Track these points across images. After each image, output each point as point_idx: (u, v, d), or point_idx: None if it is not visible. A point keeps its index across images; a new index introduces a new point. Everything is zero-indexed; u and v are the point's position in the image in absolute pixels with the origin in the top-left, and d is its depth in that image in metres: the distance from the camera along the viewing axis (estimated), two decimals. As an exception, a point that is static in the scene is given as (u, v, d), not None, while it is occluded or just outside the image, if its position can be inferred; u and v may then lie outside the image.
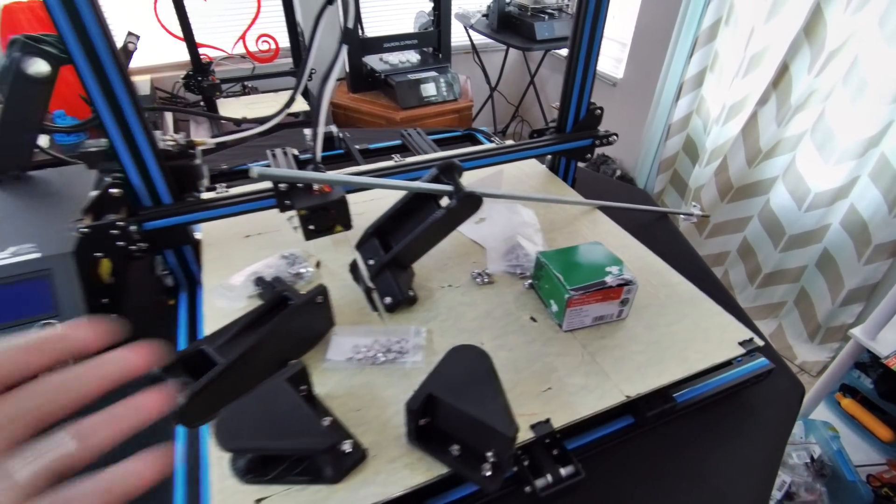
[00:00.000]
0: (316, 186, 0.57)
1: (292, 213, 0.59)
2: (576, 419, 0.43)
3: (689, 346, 0.50)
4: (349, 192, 0.57)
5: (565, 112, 0.75)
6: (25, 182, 0.66)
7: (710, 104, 1.87)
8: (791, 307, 1.71)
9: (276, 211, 0.58)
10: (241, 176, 0.91)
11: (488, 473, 0.37)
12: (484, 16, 2.35)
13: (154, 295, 0.65)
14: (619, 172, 2.35)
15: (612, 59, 2.39)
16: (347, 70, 2.12)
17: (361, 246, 0.56)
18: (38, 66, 0.61)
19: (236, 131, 0.84)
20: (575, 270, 0.51)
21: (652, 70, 2.10)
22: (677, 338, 0.51)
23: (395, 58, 2.15)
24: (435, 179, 0.52)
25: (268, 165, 0.92)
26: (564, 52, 2.53)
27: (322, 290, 0.48)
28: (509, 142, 0.91)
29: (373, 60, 2.14)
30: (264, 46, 2.15)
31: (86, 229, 0.50)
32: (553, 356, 0.49)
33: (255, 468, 0.37)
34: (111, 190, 0.52)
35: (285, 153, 0.95)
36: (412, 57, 2.20)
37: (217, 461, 0.39)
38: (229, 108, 1.89)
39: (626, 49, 2.26)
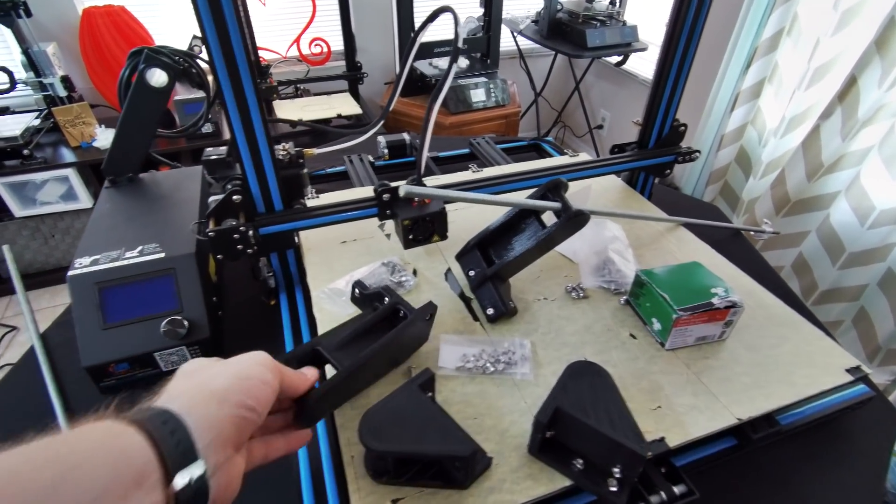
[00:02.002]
0: (416, 199, 0.59)
1: (383, 221, 0.61)
2: (689, 439, 0.44)
3: (794, 371, 0.50)
4: (446, 203, 0.60)
5: (649, 128, 0.75)
6: (138, 184, 0.71)
7: (768, 116, 1.83)
8: (849, 326, 1.66)
9: (369, 219, 0.60)
10: (321, 179, 0.94)
11: (614, 489, 0.38)
12: (533, 22, 2.35)
13: (249, 290, 0.68)
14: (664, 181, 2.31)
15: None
16: (397, 73, 2.15)
17: (462, 257, 0.58)
18: (159, 77, 0.65)
19: (295, 127, 0.87)
20: (679, 290, 0.51)
21: (704, 79, 2.06)
22: (781, 361, 0.51)
23: (445, 62, 2.18)
24: (542, 196, 0.53)
25: (345, 170, 0.95)
26: (613, 59, 2.51)
27: (433, 309, 0.48)
28: (584, 155, 0.92)
29: (422, 65, 2.17)
30: (317, 49, 2.21)
31: (212, 233, 0.54)
32: (658, 374, 0.50)
33: (388, 470, 0.39)
34: (233, 197, 0.55)
35: (361, 159, 0.99)
36: (461, 62, 2.22)
37: (350, 461, 0.41)
38: (285, 109, 1.94)
39: (678, 57, 2.23)
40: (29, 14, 1.58)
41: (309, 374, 0.36)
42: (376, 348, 0.43)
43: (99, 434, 0.22)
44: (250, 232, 0.56)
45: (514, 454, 0.42)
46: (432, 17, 0.66)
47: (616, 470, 0.38)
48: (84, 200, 1.72)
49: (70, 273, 0.54)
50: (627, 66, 2.48)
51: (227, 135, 1.81)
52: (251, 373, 0.30)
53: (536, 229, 0.55)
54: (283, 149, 0.61)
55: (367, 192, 0.76)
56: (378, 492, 0.39)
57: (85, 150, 1.71)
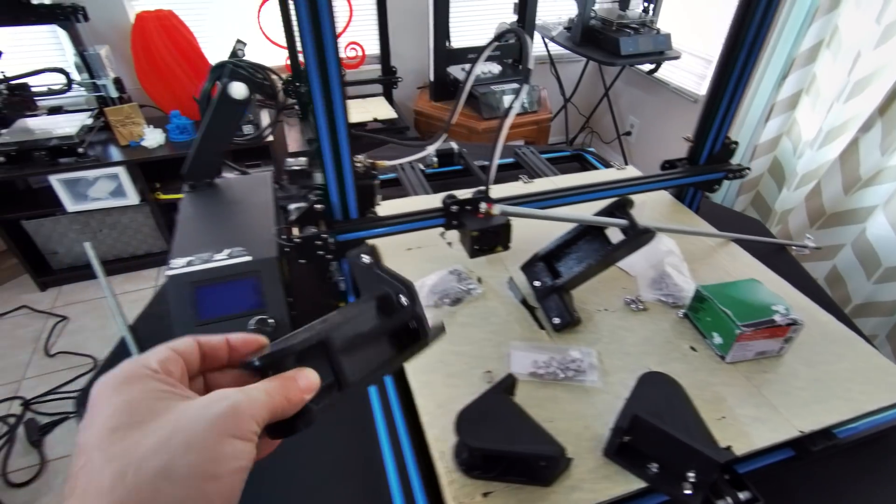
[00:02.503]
0: (482, 210, 0.63)
1: (443, 230, 0.65)
2: (754, 449, 0.47)
3: (852, 387, 0.52)
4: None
5: (701, 145, 0.78)
6: (215, 188, 0.75)
7: (804, 127, 1.83)
8: (883, 342, 1.65)
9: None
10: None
11: (688, 492, 0.41)
12: (566, 28, 2.37)
13: (314, 290, 0.72)
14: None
15: (695, 75, 2.36)
16: (431, 79, 2.19)
17: (528, 268, 0.62)
18: (240, 90, 0.69)
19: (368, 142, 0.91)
20: (741, 307, 0.54)
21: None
22: (839, 377, 0.54)
23: (478, 68, 2.21)
24: (610, 214, 0.56)
25: (397, 177, 0.99)
26: (645, 67, 2.51)
27: (442, 329, 0.37)
28: (631, 168, 0.95)
29: (455, 70, 2.20)
30: (352, 53, 2.26)
31: (298, 239, 0.58)
32: (720, 386, 0.52)
33: (478, 465, 0.43)
34: (316, 206, 0.59)
35: (412, 167, 1.03)
36: (493, 68, 2.25)
37: (440, 456, 0.45)
38: (323, 112, 1.99)
39: (711, 66, 2.23)
40: (87, 18, 1.65)
41: (303, 383, 0.26)
42: (382, 364, 0.34)
43: None
44: (330, 238, 0.60)
45: (590, 456, 0.45)
46: (499, 37, 0.70)
47: (691, 475, 0.41)
48: (131, 197, 1.79)
49: (169, 273, 0.59)
50: (659, 73, 2.48)
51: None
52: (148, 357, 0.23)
53: (602, 244, 0.58)
54: (359, 161, 0.65)
55: (424, 200, 0.80)
56: (470, 485, 0.43)
57: (133, 149, 1.78)
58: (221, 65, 0.71)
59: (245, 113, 0.74)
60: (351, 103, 2.19)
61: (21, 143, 1.60)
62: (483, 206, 0.63)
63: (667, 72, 2.47)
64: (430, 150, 0.73)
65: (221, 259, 0.60)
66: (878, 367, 0.55)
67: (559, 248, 0.60)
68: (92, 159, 1.69)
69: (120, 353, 0.67)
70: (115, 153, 1.76)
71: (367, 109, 2.06)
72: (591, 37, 2.25)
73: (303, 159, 0.70)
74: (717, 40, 2.15)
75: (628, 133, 2.80)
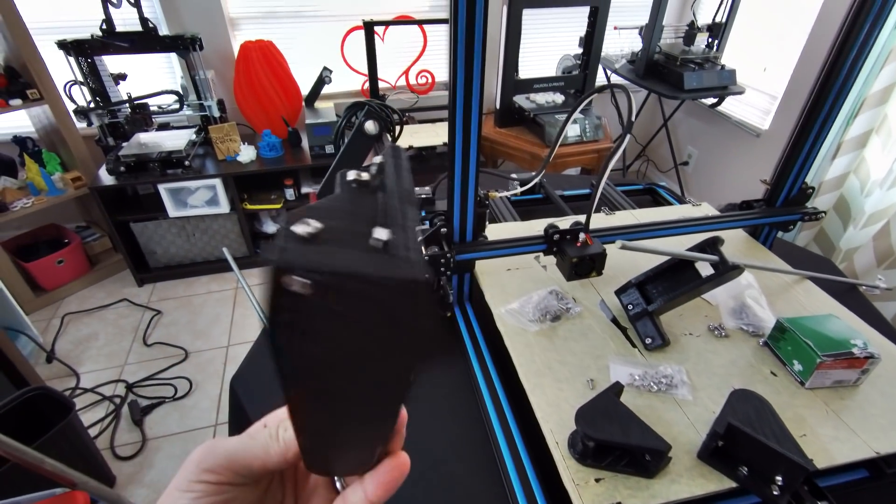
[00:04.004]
0: (581, 239, 0.72)
1: (539, 255, 0.74)
2: (834, 464, 0.53)
3: (926, 418, 0.58)
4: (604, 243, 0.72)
5: (780, 187, 0.84)
6: (342, 209, 0.88)
7: (873, 166, 1.82)
8: (954, 388, 1.61)
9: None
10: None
11: (776, 493, 0.48)
12: (629, 62, 2.45)
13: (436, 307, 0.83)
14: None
15: (758, 109, 2.38)
16: (497, 107, 2.32)
17: (622, 293, 0.70)
18: (372, 127, 0.82)
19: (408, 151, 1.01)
20: (820, 338, 0.60)
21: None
22: (914, 408, 0.59)
23: (542, 98, 2.32)
24: (701, 250, 0.65)
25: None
26: (708, 100, 2.54)
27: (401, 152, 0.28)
28: (706, 206, 1.02)
29: (520, 99, 2.31)
30: (422, 80, 2.42)
31: (427, 257, 0.69)
32: (800, 408, 0.59)
33: (590, 455, 0.52)
34: (442, 229, 0.70)
35: (501, 197, 1.13)
36: (557, 98, 2.35)
37: (555, 446, 0.54)
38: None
39: (776, 102, 2.25)
40: (202, 48, 1.88)
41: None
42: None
43: None
44: (451, 257, 0.71)
45: (685, 457, 0.53)
46: (600, 90, 0.79)
47: (778, 478, 0.48)
48: (223, 206, 1.99)
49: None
50: (721, 106, 2.52)
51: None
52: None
53: (691, 276, 0.66)
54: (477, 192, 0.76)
55: (518, 227, 0.90)
56: (583, 471, 0.51)
57: (229, 163, 1.98)
58: (360, 104, 0.85)
59: (371, 145, 0.87)
60: (421, 127, 2.35)
61: (139, 155, 1.82)
62: (582, 236, 0.73)
63: (730, 105, 2.50)
64: (536, 181, 0.82)
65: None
66: (952, 402, 0.60)
67: (652, 277, 0.69)
68: (194, 171, 1.89)
69: (260, 348, 0.80)
70: (213, 166, 1.96)
71: (437, 134, 2.20)
72: (654, 70, 2.32)
73: (427, 188, 0.82)
74: (784, 77, 2.17)
75: (685, 163, 2.82)
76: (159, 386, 1.66)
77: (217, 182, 1.92)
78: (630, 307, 0.69)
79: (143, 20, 1.77)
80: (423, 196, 0.79)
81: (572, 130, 2.17)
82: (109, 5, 1.71)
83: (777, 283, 0.80)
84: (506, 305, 0.73)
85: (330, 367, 0.19)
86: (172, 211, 1.94)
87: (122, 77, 1.92)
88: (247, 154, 1.98)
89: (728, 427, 0.50)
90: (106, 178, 1.84)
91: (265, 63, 1.98)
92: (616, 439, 0.49)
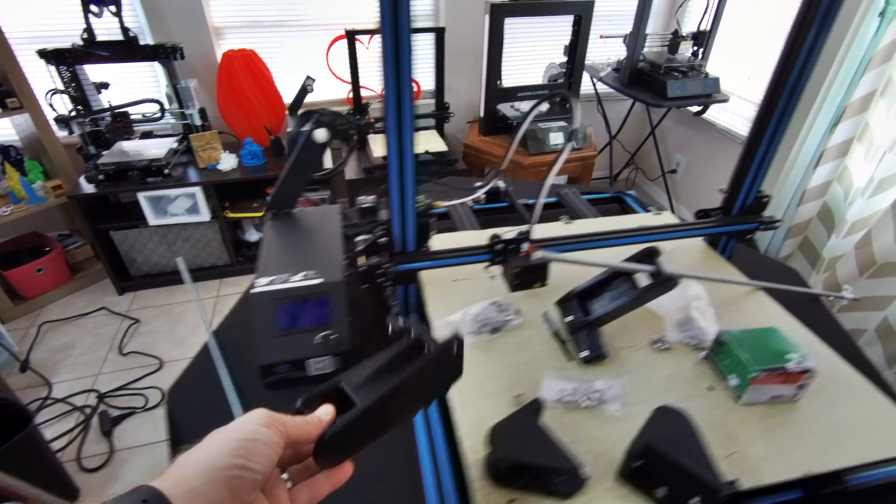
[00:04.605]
0: (524, 249, 0.71)
1: (488, 265, 0.73)
2: (760, 485, 0.51)
3: (864, 436, 0.56)
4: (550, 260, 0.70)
5: (734, 196, 0.83)
6: (292, 217, 0.87)
7: (855, 174, 1.81)
8: (939, 401, 1.58)
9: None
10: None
11: (694, 515, 0.47)
12: (614, 70, 2.44)
13: (377, 316, 0.82)
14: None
15: (743, 117, 2.37)
16: (482, 115, 2.32)
17: (562, 304, 0.69)
18: (322, 135, 0.82)
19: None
20: (758, 352, 0.59)
21: (787, 134, 2.06)
22: (852, 426, 0.57)
23: (526, 106, 2.32)
24: (638, 260, 0.63)
25: (447, 211, 1.09)
26: (693, 108, 2.53)
27: (458, 340, 0.44)
28: (667, 214, 1.00)
29: (504, 107, 2.31)
30: (408, 88, 2.42)
31: (363, 267, 0.68)
32: (734, 424, 0.57)
33: (504, 475, 0.50)
34: (381, 239, 0.69)
35: (462, 204, 1.12)
36: (542, 106, 2.34)
37: (473, 464, 0.52)
38: (378, 144, 2.15)
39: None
40: (183, 57, 1.88)
41: (322, 413, 0.36)
42: (396, 385, 0.39)
43: None
44: (391, 267, 0.70)
45: (605, 477, 0.51)
46: (548, 98, 0.78)
47: (695, 501, 0.47)
48: (204, 214, 1.98)
49: (252, 291, 0.70)
50: (707, 115, 2.51)
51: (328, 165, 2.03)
52: (244, 436, 0.32)
53: (630, 287, 0.65)
54: (419, 200, 0.75)
55: (472, 236, 0.88)
56: (496, 492, 0.50)
57: (210, 171, 1.98)
58: (309, 113, 0.84)
59: (322, 154, 0.86)
60: (405, 137, 2.28)
61: (118, 163, 1.82)
62: (525, 246, 0.71)
63: (715, 113, 2.49)
64: (480, 193, 0.81)
65: (297, 280, 0.71)
66: (893, 420, 0.58)
67: (592, 288, 0.67)
68: (175, 179, 1.89)
69: (204, 357, 0.78)
70: (194, 174, 1.96)
71: (420, 142, 2.19)
72: (639, 79, 2.32)
73: (371, 197, 0.81)
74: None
75: (673, 171, 2.81)
76: (131, 396, 1.64)
77: (197, 190, 1.92)
78: (569, 319, 0.68)
79: (125, 29, 1.78)
80: (366, 206, 0.78)
81: (555, 139, 2.17)
82: (90, 15, 1.72)
83: (730, 294, 0.78)
84: (446, 317, 0.72)
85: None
86: (153, 219, 1.94)
87: (105, 86, 1.93)
88: (228, 162, 1.98)
89: (645, 447, 0.48)
90: (87, 187, 1.84)
91: (247, 72, 1.99)
92: (525, 459, 0.47)
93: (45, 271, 1.99)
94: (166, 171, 1.86)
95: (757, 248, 2.34)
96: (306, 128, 0.82)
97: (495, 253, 0.72)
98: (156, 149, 1.93)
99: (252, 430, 0.32)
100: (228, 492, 0.30)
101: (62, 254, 2.06)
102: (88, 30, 1.74)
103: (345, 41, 1.98)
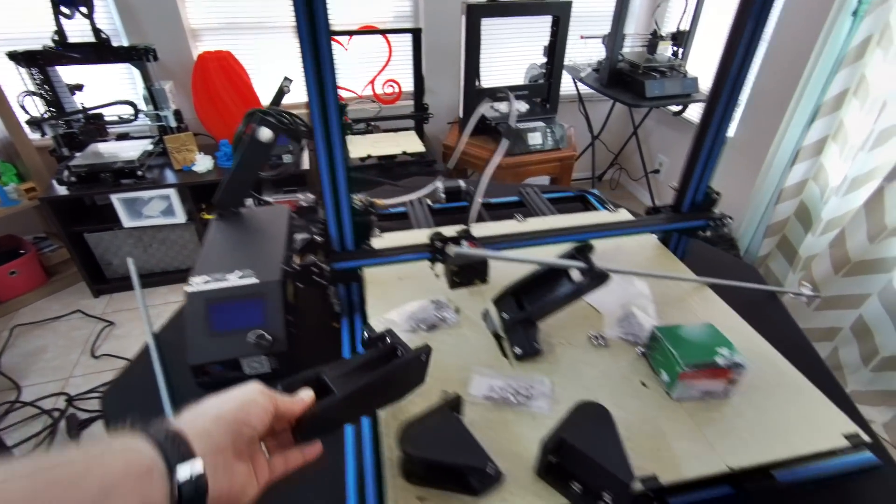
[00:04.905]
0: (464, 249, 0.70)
1: (432, 265, 0.72)
2: (681, 480, 0.50)
3: (793, 431, 0.55)
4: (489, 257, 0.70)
5: (684, 192, 0.82)
6: (239, 217, 0.86)
7: (831, 173, 1.80)
8: (913, 399, 1.57)
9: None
10: (383, 218, 1.07)
11: (606, 512, 0.46)
12: (594, 70, 2.44)
13: (323, 317, 0.81)
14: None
15: (724, 117, 2.36)
16: (461, 116, 2.31)
17: (499, 301, 0.68)
18: (266, 134, 0.81)
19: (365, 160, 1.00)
20: (688, 348, 0.58)
21: (766, 132, 2.06)
22: (782, 421, 0.56)
23: (506, 106, 2.31)
24: (571, 256, 0.62)
25: (405, 211, 1.08)
26: (673, 107, 2.54)
27: (428, 351, 0.49)
28: (623, 211, 1.00)
29: (483, 108, 2.30)
30: (389, 90, 2.42)
31: (297, 266, 0.67)
32: (663, 420, 0.56)
33: (418, 473, 0.49)
34: (316, 237, 0.68)
35: (420, 202, 1.11)
36: (521, 106, 2.34)
37: (389, 463, 0.51)
38: (357, 145, 2.14)
39: (739, 110, 2.24)
40: (156, 58, 1.88)
41: (304, 395, 0.41)
42: (371, 379, 0.44)
43: (118, 441, 0.31)
44: (326, 267, 0.69)
45: (523, 474, 0.50)
46: (487, 98, 0.78)
47: (607, 496, 0.46)
48: (179, 216, 1.97)
49: (187, 289, 0.69)
50: (688, 114, 2.51)
51: (305, 165, 2.02)
52: (244, 398, 0.37)
53: (564, 283, 0.64)
54: (359, 199, 0.74)
55: (423, 235, 0.88)
56: (409, 489, 0.49)
57: (185, 173, 1.97)
58: (252, 112, 0.83)
59: (269, 153, 0.85)
60: (383, 136, 2.34)
61: (91, 165, 1.81)
62: (465, 243, 0.70)
63: (695, 113, 2.49)
64: (419, 194, 0.81)
65: (232, 280, 0.70)
66: (827, 415, 0.57)
67: (528, 284, 0.66)
68: (149, 181, 1.88)
69: (144, 358, 0.77)
70: (170, 176, 1.95)
71: (398, 143, 2.19)
72: (618, 79, 2.32)
73: (311, 197, 0.80)
74: (746, 84, 2.16)
75: (657, 171, 2.81)
76: (101, 399, 1.63)
77: (172, 192, 1.91)
78: (504, 316, 0.67)
79: (96, 31, 1.77)
80: (305, 205, 0.77)
81: (534, 139, 2.16)
82: (62, 17, 1.71)
83: (677, 292, 0.78)
84: (383, 315, 0.71)
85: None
86: (127, 221, 1.93)
87: (79, 88, 1.93)
88: (203, 164, 1.97)
89: (558, 441, 0.47)
90: (59, 189, 1.83)
91: (223, 74, 1.98)
92: (433, 456, 0.46)
93: (18, 274, 1.97)
94: (140, 172, 1.85)
95: (737, 249, 2.33)
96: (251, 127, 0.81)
97: (435, 251, 0.71)
98: (130, 151, 1.92)
99: (250, 395, 0.37)
100: (230, 439, 0.34)
101: (37, 256, 2.05)
102: (60, 31, 1.73)
103: (321, 42, 1.98)
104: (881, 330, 1.60)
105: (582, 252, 0.62)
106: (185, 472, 0.31)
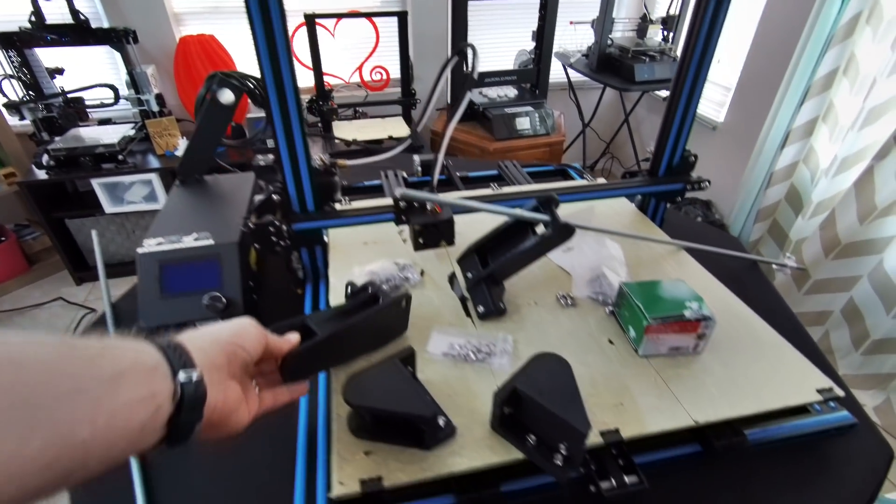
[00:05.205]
0: (429, 207, 0.67)
1: (404, 227, 0.69)
2: (643, 433, 0.48)
3: (764, 386, 0.53)
4: (455, 213, 0.67)
5: (660, 156, 0.80)
6: (203, 184, 0.84)
7: (821, 155, 1.78)
8: (904, 381, 1.55)
9: (391, 224, 0.68)
10: (359, 192, 1.05)
11: (559, 463, 0.43)
12: (584, 55, 2.42)
13: (287, 285, 0.78)
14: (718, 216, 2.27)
15: (714, 102, 2.34)
16: (449, 101, 2.28)
17: (462, 260, 0.65)
18: (227, 96, 0.78)
19: (356, 153, 0.97)
20: (655, 302, 0.55)
21: (757, 116, 2.04)
22: (753, 377, 0.54)
23: (494, 92, 2.29)
24: (535, 210, 0.60)
25: (381, 184, 1.05)
26: (663, 93, 2.53)
27: (407, 297, 0.55)
28: (601, 180, 0.97)
29: (472, 93, 2.28)
30: (377, 77, 2.39)
31: (252, 225, 0.64)
32: (628, 377, 0.54)
33: (367, 428, 0.46)
34: (273, 196, 0.66)
35: (396, 175, 1.09)
36: (510, 91, 2.32)
37: (337, 418, 0.49)
38: (343, 130, 2.11)
39: (730, 94, 2.22)
40: (136, 41, 1.85)
41: (291, 337, 0.45)
42: (352, 323, 0.49)
43: (126, 340, 0.32)
44: (284, 227, 0.66)
45: (479, 428, 0.48)
46: (456, 55, 0.75)
47: (562, 447, 0.43)
48: (162, 201, 1.94)
49: (139, 251, 0.66)
50: (679, 100, 2.48)
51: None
52: (239, 325, 0.40)
53: (529, 238, 0.61)
54: (320, 159, 0.71)
55: (390, 200, 0.85)
56: (356, 444, 0.46)
57: (168, 158, 1.94)
58: (213, 75, 0.80)
59: (231, 117, 0.82)
60: (370, 122, 2.30)
61: (70, 149, 1.78)
62: (430, 204, 0.68)
63: (687, 99, 2.46)
64: (384, 156, 0.78)
65: (187, 241, 0.68)
66: (800, 370, 0.55)
67: (492, 243, 0.64)
68: (130, 166, 1.85)
69: (100, 326, 0.75)
70: (153, 161, 1.92)
71: (385, 128, 2.16)
72: (608, 64, 2.29)
73: (270, 156, 0.77)
74: (736, 68, 2.14)
75: (647, 160, 2.78)
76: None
77: (154, 177, 1.88)
78: (469, 275, 0.64)
79: (75, 12, 1.74)
80: (263, 164, 0.75)
81: (522, 124, 2.14)
82: (39, -2, 1.68)
83: (650, 255, 0.75)
84: (345, 277, 0.68)
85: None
86: (109, 207, 1.90)
87: (59, 71, 1.89)
88: (186, 149, 1.94)
89: (511, 392, 0.45)
90: (39, 174, 1.80)
91: (205, 58, 1.95)
92: (373, 405, 0.44)
93: (-2, 262, 1.94)
94: (121, 157, 1.82)
95: (727, 230, 2.30)
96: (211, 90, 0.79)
97: (399, 211, 0.68)
98: (111, 135, 1.89)
99: (244, 324, 0.41)
100: (226, 360, 0.37)
101: (17, 244, 2.02)
102: (37, 13, 1.70)
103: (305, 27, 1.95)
104: (872, 312, 1.58)
105: (546, 205, 0.60)
106: (185, 374, 0.32)
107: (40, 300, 1.96)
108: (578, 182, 0.96)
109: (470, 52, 0.69)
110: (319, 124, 2.17)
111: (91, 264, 2.06)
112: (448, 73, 0.81)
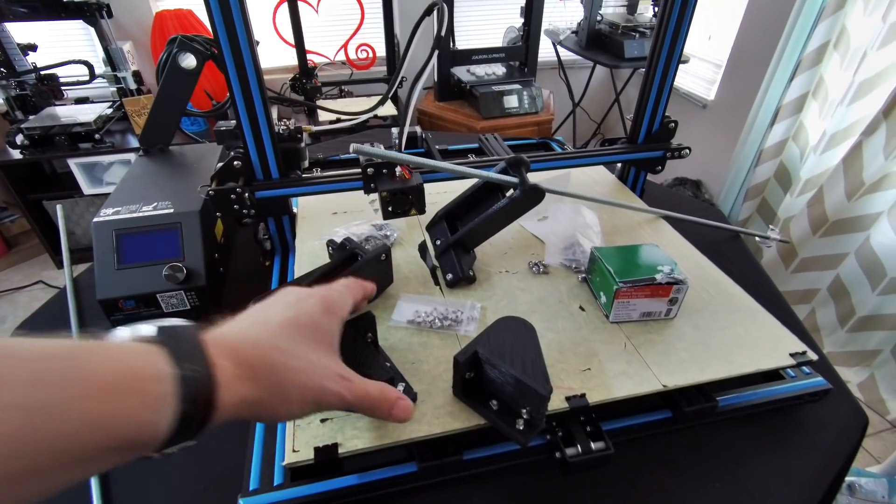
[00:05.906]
0: (398, 174, 0.65)
1: (374, 195, 0.67)
2: (610, 398, 0.46)
3: (736, 351, 0.51)
4: (426, 182, 0.65)
5: (639, 123, 0.77)
6: (167, 154, 0.81)
7: (810, 131, 1.76)
8: (888, 357, 1.55)
9: (360, 193, 0.66)
10: (334, 165, 1.02)
11: (520, 428, 0.41)
12: (573, 32, 2.37)
13: (254, 257, 0.76)
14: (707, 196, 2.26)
15: (704, 80, 2.31)
16: (436, 80, 2.24)
17: (431, 228, 0.63)
18: (189, 61, 0.75)
19: (335, 123, 0.95)
20: (626, 266, 0.54)
21: (747, 93, 2.01)
22: (725, 341, 0.52)
23: (482, 70, 2.24)
24: (504, 172, 0.58)
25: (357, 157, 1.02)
26: (654, 71, 2.45)
27: (386, 249, 0.56)
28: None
29: (460, 71, 2.24)
30: (363, 55, 2.33)
31: (211, 192, 0.61)
32: (597, 343, 0.52)
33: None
34: (234, 162, 0.63)
35: (373, 147, 1.05)
36: (498, 70, 2.28)
37: (295, 386, 0.47)
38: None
39: (720, 71, 2.18)
40: (111, 15, 1.79)
41: (368, 284, 0.45)
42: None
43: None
44: (246, 194, 0.64)
45: (441, 395, 0.46)
46: (427, 12, 0.72)
47: (524, 411, 0.42)
48: (143, 183, 1.90)
49: (94, 220, 0.63)
50: (669, 78, 2.45)
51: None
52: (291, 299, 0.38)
53: (495, 201, 0.59)
54: (284, 124, 0.68)
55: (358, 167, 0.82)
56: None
57: (147, 137, 1.90)
58: (174, 39, 0.77)
59: (194, 84, 0.79)
60: (355, 101, 2.24)
61: (45, 127, 1.73)
62: (399, 170, 0.65)
63: (677, 77, 2.43)
64: (362, 118, 0.75)
65: (146, 211, 0.65)
66: (774, 336, 0.53)
67: (460, 209, 0.61)
68: (108, 146, 1.81)
69: (60, 298, 0.72)
70: (131, 141, 1.88)
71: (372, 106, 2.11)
72: (597, 41, 2.25)
73: (233, 122, 0.74)
74: (727, 44, 2.10)
75: (639, 139, 2.75)
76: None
77: (133, 157, 1.83)
78: (438, 242, 0.62)
79: (45, -15, 1.67)
80: (224, 129, 0.72)
81: (509, 102, 2.10)
82: (7, -30, 1.62)
83: (628, 223, 0.73)
84: (314, 242, 0.66)
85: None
86: (87, 188, 1.86)
87: (32, 48, 1.83)
88: (166, 129, 1.89)
89: (472, 355, 0.43)
90: (14, 154, 1.75)
91: (183, 32, 1.89)
92: (328, 368, 0.41)
93: (-25, 245, 1.90)
94: (98, 136, 1.78)
95: (718, 210, 2.29)
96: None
97: (367, 178, 0.66)
98: (87, 114, 1.84)
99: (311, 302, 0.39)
100: (287, 339, 0.34)
101: (-5, 227, 1.98)
102: (5, -15, 1.64)
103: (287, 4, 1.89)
104: (858, 289, 1.58)
105: (515, 167, 0.57)
106: (185, 368, 0.27)
107: (21, 283, 1.92)
108: (556, 151, 0.94)
109: (436, 13, 0.66)
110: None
111: (71, 247, 2.02)
112: (425, 43, 0.77)
